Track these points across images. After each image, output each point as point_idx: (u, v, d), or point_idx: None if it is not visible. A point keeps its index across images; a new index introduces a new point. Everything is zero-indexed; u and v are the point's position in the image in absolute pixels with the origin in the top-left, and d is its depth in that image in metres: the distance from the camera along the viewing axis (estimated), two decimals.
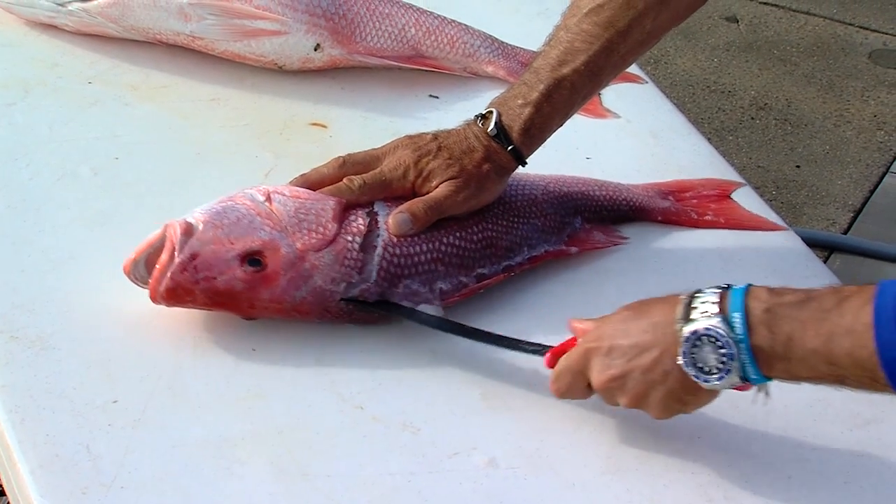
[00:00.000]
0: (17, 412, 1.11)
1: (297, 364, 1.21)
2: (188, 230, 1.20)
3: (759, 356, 1.06)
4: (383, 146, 1.32)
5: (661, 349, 1.09)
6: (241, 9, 1.56)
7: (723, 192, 1.48)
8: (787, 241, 1.45)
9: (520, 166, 1.33)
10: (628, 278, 1.36)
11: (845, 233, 2.94)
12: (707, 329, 1.06)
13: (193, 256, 1.19)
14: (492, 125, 1.31)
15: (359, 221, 1.26)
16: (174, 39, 1.59)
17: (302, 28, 1.58)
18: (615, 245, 1.39)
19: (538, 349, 1.19)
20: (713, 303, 1.07)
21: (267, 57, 1.59)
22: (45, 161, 1.42)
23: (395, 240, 1.25)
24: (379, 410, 1.17)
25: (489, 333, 1.23)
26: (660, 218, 1.44)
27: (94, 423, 1.11)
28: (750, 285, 1.08)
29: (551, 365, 1.17)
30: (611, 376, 1.11)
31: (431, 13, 1.66)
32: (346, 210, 1.26)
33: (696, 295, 1.09)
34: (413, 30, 1.63)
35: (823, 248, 2.82)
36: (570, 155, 1.51)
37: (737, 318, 1.05)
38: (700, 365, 1.07)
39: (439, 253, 1.27)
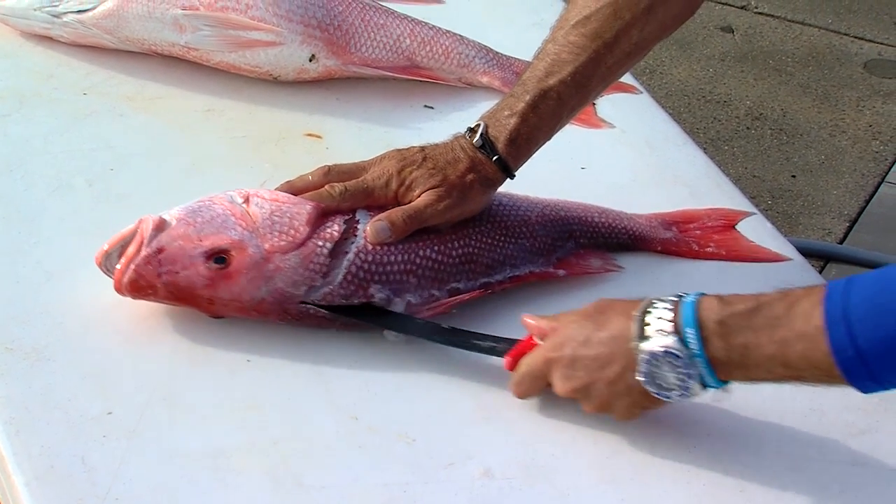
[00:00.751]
0: (12, 424, 1.11)
1: (292, 374, 1.20)
2: (160, 225, 1.21)
3: (717, 366, 1.08)
4: (371, 158, 1.33)
5: (622, 364, 1.11)
6: (236, 20, 1.56)
7: (728, 223, 1.45)
8: (782, 252, 1.45)
9: (508, 179, 1.32)
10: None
11: (841, 242, 2.94)
12: (664, 350, 1.08)
13: (160, 250, 1.20)
14: (477, 136, 1.31)
15: (334, 227, 1.25)
16: (169, 50, 1.60)
17: (297, 39, 1.58)
18: (608, 272, 1.37)
19: (495, 349, 1.20)
20: (667, 320, 1.09)
21: (262, 68, 1.59)
22: (40, 172, 1.42)
23: (369, 247, 1.25)
24: (374, 421, 1.17)
25: (443, 329, 1.23)
26: (660, 248, 1.42)
27: (88, 435, 1.11)
28: (701, 295, 1.09)
29: (511, 368, 1.19)
30: (574, 387, 1.14)
31: (426, 24, 1.66)
32: (325, 216, 1.26)
33: (649, 309, 1.10)
34: (408, 40, 1.63)
35: (819, 258, 2.82)
36: (564, 165, 1.51)
37: (690, 333, 1.07)
38: (660, 382, 1.09)
39: (412, 265, 1.26)
